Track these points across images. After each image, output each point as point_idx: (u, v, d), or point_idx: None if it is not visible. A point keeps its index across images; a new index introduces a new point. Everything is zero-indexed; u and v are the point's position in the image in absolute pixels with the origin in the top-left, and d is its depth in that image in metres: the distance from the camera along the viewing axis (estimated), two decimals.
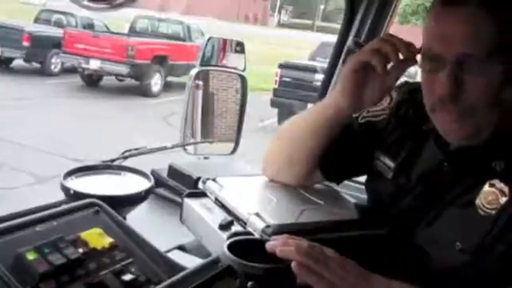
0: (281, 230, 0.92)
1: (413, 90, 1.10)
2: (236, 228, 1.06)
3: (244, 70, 1.81)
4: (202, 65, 1.77)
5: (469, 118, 0.91)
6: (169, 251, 1.19)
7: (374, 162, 1.12)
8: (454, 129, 0.93)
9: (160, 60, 11.80)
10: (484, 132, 0.93)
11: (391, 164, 1.08)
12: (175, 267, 0.92)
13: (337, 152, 1.14)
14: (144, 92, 11.37)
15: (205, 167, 1.66)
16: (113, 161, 1.42)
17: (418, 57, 0.98)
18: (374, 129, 1.12)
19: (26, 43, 11.43)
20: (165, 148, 1.70)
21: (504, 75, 0.88)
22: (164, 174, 1.63)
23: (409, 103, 1.10)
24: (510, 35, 0.88)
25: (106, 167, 1.32)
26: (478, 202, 0.92)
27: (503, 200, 0.90)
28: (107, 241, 0.92)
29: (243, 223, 1.07)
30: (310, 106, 7.43)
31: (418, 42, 0.98)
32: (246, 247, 0.89)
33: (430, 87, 0.94)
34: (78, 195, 1.09)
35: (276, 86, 9.62)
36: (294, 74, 9.37)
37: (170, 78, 12.23)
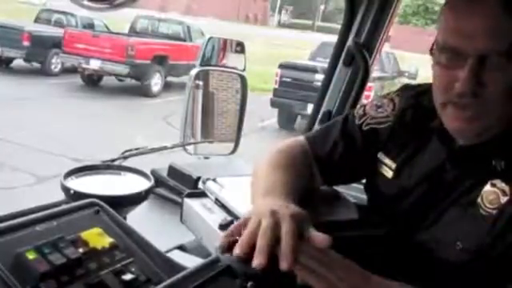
0: None
1: (417, 94, 1.10)
2: None
3: (244, 69, 1.81)
4: (202, 65, 1.77)
5: (483, 116, 0.89)
6: (169, 251, 1.19)
7: (376, 163, 1.12)
8: (464, 128, 0.92)
9: (160, 60, 11.80)
10: (493, 130, 0.91)
11: (392, 164, 1.08)
12: (175, 267, 0.92)
13: (338, 161, 1.14)
14: (144, 92, 11.37)
15: (205, 167, 1.66)
16: (113, 161, 1.43)
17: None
18: (377, 136, 1.11)
19: (26, 43, 11.43)
20: (165, 148, 1.70)
21: None
22: (164, 173, 1.64)
23: (413, 109, 1.08)
24: None
25: (106, 167, 1.32)
26: (479, 201, 0.92)
27: (504, 200, 0.90)
28: (107, 241, 0.92)
29: None
30: (310, 106, 7.44)
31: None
32: None
33: (447, 83, 0.91)
34: (78, 195, 1.09)
35: (276, 86, 9.62)
36: (295, 74, 9.36)
37: (170, 78, 12.24)
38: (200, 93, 1.83)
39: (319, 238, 0.80)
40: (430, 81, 0.99)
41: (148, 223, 1.22)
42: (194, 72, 1.75)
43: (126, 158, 1.49)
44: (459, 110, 0.90)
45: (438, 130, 1.00)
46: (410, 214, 1.02)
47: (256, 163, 1.13)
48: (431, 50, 0.94)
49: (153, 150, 1.64)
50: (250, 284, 0.81)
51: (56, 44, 11.63)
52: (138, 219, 1.16)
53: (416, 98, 1.09)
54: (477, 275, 0.91)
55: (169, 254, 0.99)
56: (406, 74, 11.45)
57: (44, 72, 11.97)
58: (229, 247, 0.81)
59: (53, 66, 12.13)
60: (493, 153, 0.93)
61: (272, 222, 0.80)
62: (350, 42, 1.73)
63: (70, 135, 7.06)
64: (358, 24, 1.72)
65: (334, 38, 1.92)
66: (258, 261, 0.76)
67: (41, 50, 11.64)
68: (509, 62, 0.86)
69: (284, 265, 0.76)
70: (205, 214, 1.14)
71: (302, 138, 1.20)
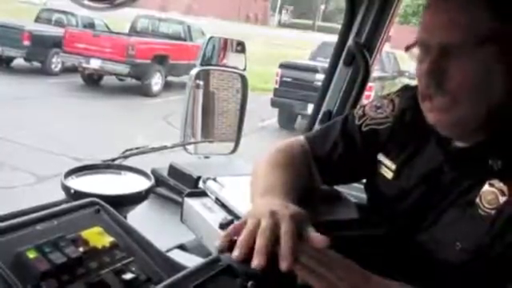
0: None
1: (416, 95, 1.10)
2: None
3: (244, 69, 1.81)
4: (202, 64, 1.77)
5: (453, 108, 0.91)
6: (169, 250, 1.19)
7: (376, 164, 1.12)
8: (437, 119, 0.94)
9: (160, 60, 11.80)
10: (470, 124, 0.93)
11: (392, 165, 1.08)
12: (175, 266, 0.92)
13: (338, 161, 1.14)
14: (144, 91, 11.37)
15: (205, 167, 1.66)
16: (113, 160, 1.43)
17: None
18: (377, 137, 1.12)
19: (26, 42, 11.43)
20: (165, 147, 1.70)
21: (494, 63, 0.88)
22: (164, 173, 1.64)
23: (413, 109, 1.09)
24: (501, 23, 0.87)
25: (107, 166, 1.32)
26: (477, 201, 0.92)
27: (503, 199, 0.90)
28: (108, 240, 0.92)
29: None
30: (310, 106, 7.42)
31: None
32: None
33: (419, 76, 0.95)
34: (79, 194, 1.09)
35: (277, 86, 9.61)
36: (295, 74, 9.36)
37: (170, 78, 12.23)
38: (200, 92, 1.83)
39: (318, 238, 0.80)
40: None
41: (148, 222, 1.22)
42: (194, 72, 1.75)
43: (126, 157, 1.49)
44: (430, 101, 0.94)
45: (434, 132, 1.00)
46: (409, 214, 1.02)
47: (255, 162, 1.13)
48: (406, 47, 0.97)
49: (153, 150, 1.64)
50: (250, 283, 0.81)
51: (56, 43, 11.63)
52: (139, 218, 1.16)
53: (415, 98, 1.09)
54: (476, 275, 0.91)
55: (169, 254, 0.99)
56: (407, 74, 11.45)
57: (44, 71, 11.96)
58: (228, 247, 0.81)
59: (53, 66, 12.12)
60: (489, 152, 0.93)
61: (271, 223, 0.80)
62: (350, 41, 1.73)
63: (71, 135, 7.06)
64: (358, 24, 1.72)
65: (334, 38, 1.92)
66: (257, 261, 0.76)
67: (41, 49, 11.63)
68: (472, 54, 0.88)
69: (283, 265, 0.76)
70: (205, 214, 1.14)
71: (301, 137, 1.20)
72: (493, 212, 0.90)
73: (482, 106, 0.91)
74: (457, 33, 0.88)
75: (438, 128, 0.97)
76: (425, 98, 0.96)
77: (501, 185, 0.91)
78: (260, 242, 0.78)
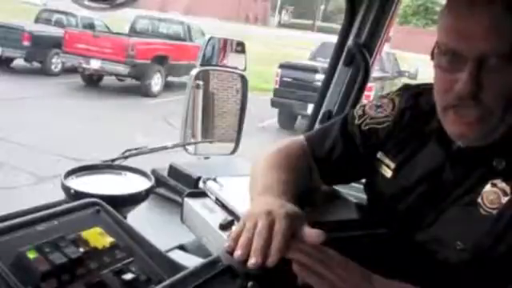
0: None
1: (416, 94, 1.10)
2: None
3: (244, 69, 1.81)
4: (202, 65, 1.77)
5: (484, 120, 0.88)
6: (169, 251, 1.19)
7: (375, 162, 1.12)
8: (464, 132, 0.91)
9: (160, 60, 11.80)
10: (496, 133, 0.91)
11: (391, 164, 1.08)
12: (175, 267, 0.92)
13: (337, 161, 1.14)
14: (144, 92, 11.38)
15: (205, 167, 1.66)
16: (113, 160, 1.43)
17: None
18: (376, 136, 1.11)
19: (26, 43, 11.44)
20: (165, 148, 1.70)
21: None
22: (164, 173, 1.64)
23: (413, 109, 1.08)
24: None
25: (107, 167, 1.32)
26: (479, 201, 0.92)
27: (505, 199, 0.90)
28: (108, 240, 0.92)
29: None
30: (310, 106, 7.41)
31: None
32: None
33: (447, 86, 0.90)
34: (79, 194, 1.09)
35: (277, 86, 9.62)
36: (295, 74, 9.36)
37: (170, 78, 12.24)
38: (200, 93, 1.83)
39: (313, 234, 0.81)
40: (430, 81, 0.99)
41: (148, 223, 1.22)
42: (194, 72, 1.75)
43: (126, 157, 1.49)
44: (460, 114, 0.90)
45: (436, 132, 1.00)
46: (409, 213, 1.02)
47: (254, 162, 1.13)
48: (432, 53, 0.93)
49: (153, 150, 1.64)
50: (250, 284, 0.81)
51: (56, 44, 11.63)
52: (139, 219, 1.16)
53: (415, 98, 1.09)
54: (477, 275, 0.91)
55: (169, 254, 0.99)
56: (407, 74, 11.45)
57: (44, 72, 11.97)
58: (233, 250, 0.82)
59: (53, 66, 12.13)
60: (493, 153, 0.93)
61: (266, 224, 0.81)
62: (350, 42, 1.73)
63: (71, 135, 7.06)
64: (358, 24, 1.72)
65: (334, 38, 1.92)
66: (253, 260, 0.77)
67: (41, 49, 11.64)
68: (509, 64, 0.85)
69: (269, 261, 0.78)
70: (205, 214, 1.14)
71: (301, 137, 1.20)
72: (495, 212, 0.90)
73: (509, 118, 0.89)
74: (499, 42, 0.84)
75: (461, 140, 0.95)
76: (447, 110, 0.92)
77: (503, 185, 0.90)
78: (256, 242, 0.79)
